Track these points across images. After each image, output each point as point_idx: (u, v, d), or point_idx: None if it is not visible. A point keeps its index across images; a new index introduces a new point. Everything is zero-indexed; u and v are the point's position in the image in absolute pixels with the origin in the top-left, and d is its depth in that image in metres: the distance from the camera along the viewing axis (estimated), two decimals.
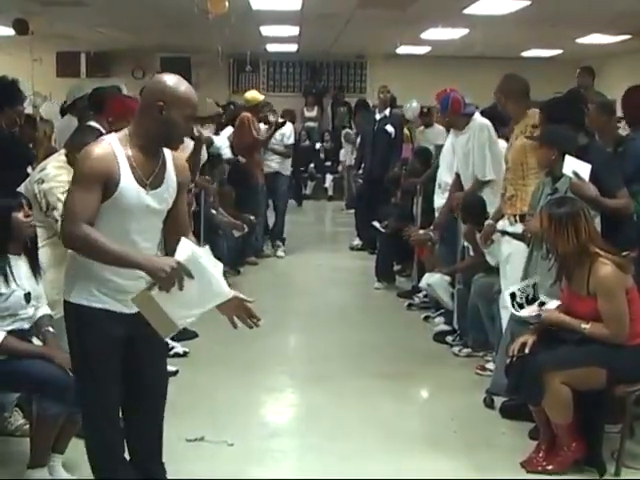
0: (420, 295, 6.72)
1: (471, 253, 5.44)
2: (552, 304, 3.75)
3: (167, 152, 2.62)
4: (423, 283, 5.94)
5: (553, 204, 3.66)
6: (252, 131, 8.22)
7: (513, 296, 3.90)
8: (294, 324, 6.35)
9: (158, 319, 2.42)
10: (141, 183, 2.52)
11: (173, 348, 5.15)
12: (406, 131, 9.82)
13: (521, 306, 3.86)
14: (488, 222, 4.86)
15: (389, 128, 8.77)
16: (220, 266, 2.57)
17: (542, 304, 3.81)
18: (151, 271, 2.40)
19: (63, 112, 6.66)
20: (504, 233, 4.64)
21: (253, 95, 8.56)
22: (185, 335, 5.42)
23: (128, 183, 2.49)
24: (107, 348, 2.56)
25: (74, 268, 2.58)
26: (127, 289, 2.53)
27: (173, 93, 2.48)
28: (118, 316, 2.57)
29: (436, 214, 6.12)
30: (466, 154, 5.45)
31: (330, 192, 14.53)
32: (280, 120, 9.04)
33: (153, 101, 2.49)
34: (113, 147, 2.50)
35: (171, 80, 2.51)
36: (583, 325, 3.55)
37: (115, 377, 2.60)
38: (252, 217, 7.89)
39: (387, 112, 8.86)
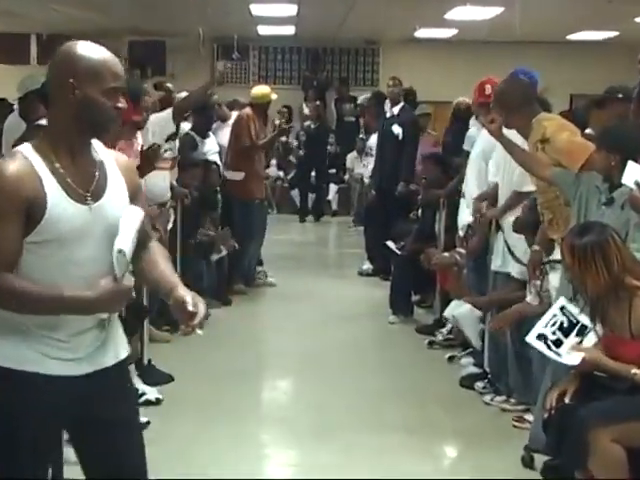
0: (443, 331, 6.76)
1: (517, 275, 5.48)
2: (591, 338, 3.73)
3: (104, 151, 2.53)
4: (448, 313, 5.98)
5: (575, 233, 3.65)
6: (250, 133, 8.24)
7: (543, 338, 3.86)
8: (291, 365, 6.37)
9: None
10: (77, 197, 2.36)
11: (143, 395, 5.18)
12: (433, 132, 9.87)
13: (559, 343, 3.81)
14: (534, 248, 4.90)
15: (395, 129, 8.83)
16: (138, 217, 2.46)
17: (584, 329, 3.79)
18: (102, 309, 2.38)
19: (9, 109, 6.73)
20: (549, 262, 4.68)
21: (262, 91, 8.59)
22: (158, 378, 5.46)
23: (59, 201, 2.32)
24: (40, 426, 2.40)
25: None
26: (78, 344, 2.43)
27: (84, 64, 2.37)
28: (61, 381, 2.41)
29: (460, 232, 6.17)
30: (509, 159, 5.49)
31: (334, 206, 14.65)
32: (284, 124, 9.08)
33: (62, 80, 2.36)
34: (29, 159, 2.34)
35: (80, 48, 2.40)
36: (633, 371, 3.54)
37: (45, 467, 2.53)
38: (235, 243, 7.94)
39: (397, 109, 8.91)
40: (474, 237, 5.96)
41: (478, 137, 6.06)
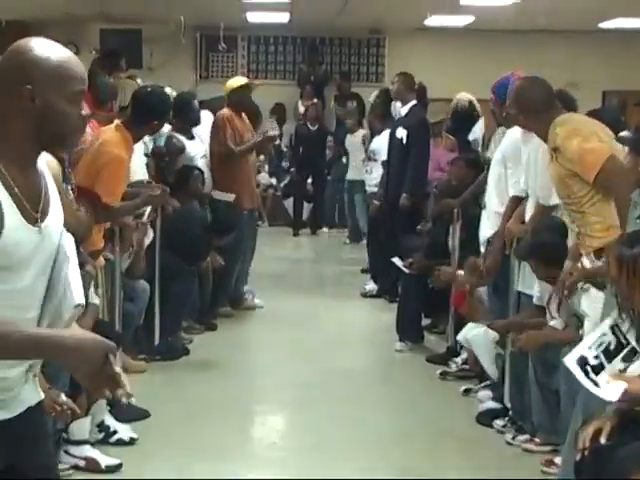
0: (458, 360, 6.76)
1: (535, 301, 5.50)
2: (638, 366, 3.71)
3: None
4: (462, 336, 5.98)
5: (623, 242, 3.66)
6: (225, 138, 8.24)
7: (583, 362, 3.82)
8: (284, 398, 6.36)
9: None
10: (30, 218, 2.33)
11: (115, 433, 5.18)
12: (450, 135, 9.87)
13: (599, 369, 3.74)
14: (567, 264, 4.90)
15: (399, 131, 8.83)
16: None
17: (632, 354, 3.73)
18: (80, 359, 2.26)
19: None
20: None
21: (235, 83, 8.58)
22: (131, 414, 5.45)
23: (15, 224, 2.29)
24: None
25: None
26: (8, 385, 2.41)
27: (43, 66, 2.31)
28: None
29: (482, 248, 6.21)
30: (535, 166, 5.51)
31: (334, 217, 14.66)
32: (272, 133, 9.09)
33: (16, 87, 2.30)
34: None
35: (35, 48, 2.33)
36: None
37: None
38: (221, 260, 7.95)
39: (406, 109, 8.88)
40: (490, 254, 5.99)
41: (500, 141, 6.10)
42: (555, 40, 14.28)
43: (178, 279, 6.98)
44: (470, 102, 8.75)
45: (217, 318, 8.18)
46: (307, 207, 14.40)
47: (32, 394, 2.51)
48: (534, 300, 5.49)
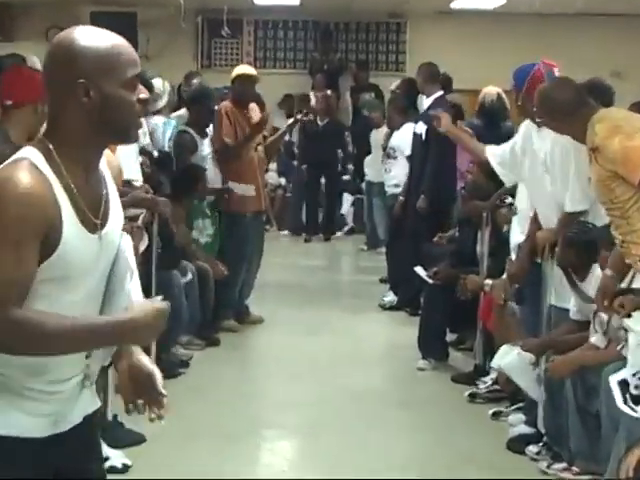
0: (487, 380, 6.75)
1: (572, 315, 5.49)
2: None
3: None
4: (496, 362, 5.97)
5: None
6: (220, 132, 8.26)
7: (625, 386, 3.83)
8: (295, 422, 6.36)
9: None
10: (89, 225, 2.44)
11: (107, 460, 5.18)
12: (467, 129, 9.87)
13: (638, 400, 3.79)
14: (606, 272, 4.90)
15: (419, 127, 8.89)
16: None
17: None
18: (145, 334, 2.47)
19: None
20: (627, 291, 4.69)
21: (240, 71, 8.59)
22: (125, 439, 5.46)
23: (75, 231, 2.39)
24: None
25: None
26: (57, 396, 2.52)
27: (93, 55, 2.39)
28: (43, 442, 2.51)
29: (513, 255, 6.20)
30: (554, 165, 5.56)
31: (349, 221, 14.70)
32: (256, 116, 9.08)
33: (69, 83, 2.38)
34: (44, 173, 2.36)
35: (80, 37, 2.40)
36: None
37: None
38: (224, 268, 7.97)
39: (430, 101, 8.90)
40: (515, 260, 5.99)
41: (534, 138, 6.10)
42: (596, 24, 14.26)
43: (163, 291, 6.97)
44: (499, 96, 8.77)
45: (220, 332, 8.20)
46: (320, 210, 14.41)
47: (88, 403, 2.65)
48: (571, 314, 5.48)
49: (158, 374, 2.65)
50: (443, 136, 8.70)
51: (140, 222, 6.30)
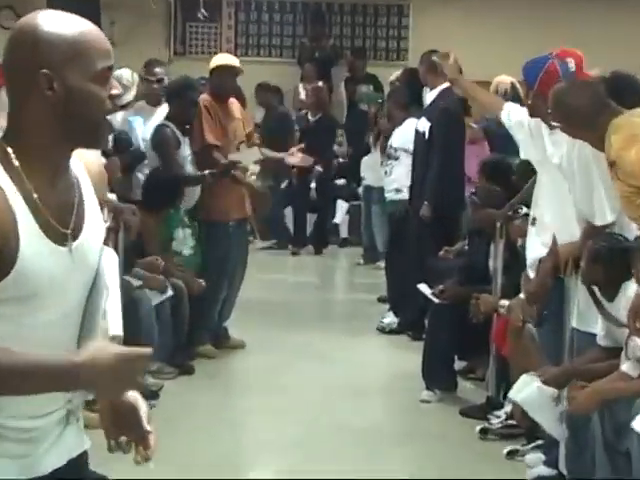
0: (500, 413, 6.74)
1: (599, 340, 5.46)
2: None
3: (76, 161, 2.57)
4: (513, 395, 5.92)
5: None
6: (201, 130, 8.28)
7: None
8: (282, 465, 6.34)
9: None
10: (56, 237, 2.41)
11: None
12: (474, 124, 9.87)
13: None
14: (638, 291, 4.91)
15: (421, 124, 8.91)
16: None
17: None
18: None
19: None
20: None
21: (221, 61, 8.61)
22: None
23: (36, 245, 2.37)
24: None
25: None
26: (33, 434, 2.50)
27: (56, 44, 2.37)
28: None
29: (530, 272, 6.17)
30: (572, 172, 5.54)
31: (344, 232, 14.72)
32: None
33: (30, 73, 2.36)
34: None
35: (45, 22, 2.39)
36: None
37: None
38: (201, 280, 7.98)
39: (434, 95, 8.93)
40: (535, 277, 5.97)
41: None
42: (623, 5, 14.26)
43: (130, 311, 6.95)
44: (513, 85, 8.79)
45: (195, 359, 8.19)
46: (311, 218, 14.46)
47: (74, 444, 2.63)
48: (597, 339, 5.44)
49: (144, 407, 2.59)
50: (449, 134, 8.77)
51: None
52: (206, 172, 7.96)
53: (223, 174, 8.05)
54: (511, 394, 6.00)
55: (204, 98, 8.39)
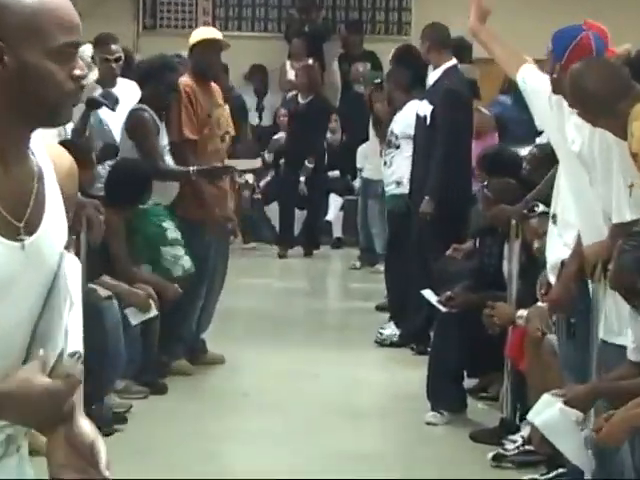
0: (516, 437, 6.74)
1: (630, 355, 5.46)
2: None
3: (42, 150, 2.57)
4: (531, 417, 5.91)
5: None
6: (179, 120, 8.31)
7: None
8: None
9: None
10: (7, 230, 2.42)
11: None
12: (483, 109, 9.88)
13: None
14: None
15: (422, 108, 8.95)
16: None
17: None
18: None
19: None
20: None
21: (203, 35, 8.66)
22: None
23: None
24: None
25: None
26: None
27: (11, 13, 2.38)
28: None
29: (551, 277, 6.16)
30: (594, 161, 5.54)
31: (337, 231, 14.78)
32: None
33: None
34: None
35: None
36: None
37: None
38: (176, 285, 7.98)
39: (438, 74, 8.96)
40: (558, 283, 5.97)
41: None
42: None
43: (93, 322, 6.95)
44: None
45: (168, 376, 8.19)
46: (299, 215, 14.52)
47: (15, 476, 2.58)
48: (628, 354, 5.43)
49: (102, 449, 2.47)
50: (454, 118, 8.76)
51: None
52: (193, 168, 7.96)
53: (214, 177, 8.07)
54: (529, 416, 5.99)
55: (185, 82, 8.39)
